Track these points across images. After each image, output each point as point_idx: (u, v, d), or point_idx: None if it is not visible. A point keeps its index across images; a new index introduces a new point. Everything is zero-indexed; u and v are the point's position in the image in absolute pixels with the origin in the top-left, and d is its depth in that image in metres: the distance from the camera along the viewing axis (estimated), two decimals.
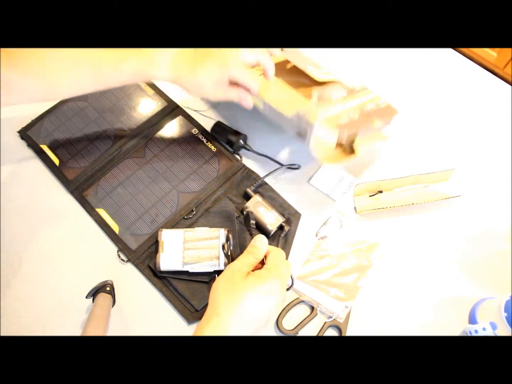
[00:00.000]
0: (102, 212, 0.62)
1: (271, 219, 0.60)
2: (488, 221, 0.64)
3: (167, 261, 0.56)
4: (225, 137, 0.67)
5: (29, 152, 0.67)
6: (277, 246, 0.60)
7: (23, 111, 0.67)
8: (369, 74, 0.77)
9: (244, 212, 0.60)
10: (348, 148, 0.61)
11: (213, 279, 0.57)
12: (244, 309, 0.45)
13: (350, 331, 0.56)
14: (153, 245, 0.60)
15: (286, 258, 0.59)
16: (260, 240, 0.50)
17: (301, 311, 0.58)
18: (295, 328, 0.56)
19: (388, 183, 0.65)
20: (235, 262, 0.49)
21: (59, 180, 0.64)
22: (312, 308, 0.57)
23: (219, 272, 0.57)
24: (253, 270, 0.49)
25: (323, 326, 0.56)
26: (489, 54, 1.59)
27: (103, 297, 0.54)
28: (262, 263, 0.50)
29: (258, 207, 0.61)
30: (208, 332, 0.44)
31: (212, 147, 0.67)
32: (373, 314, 0.58)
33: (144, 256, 0.59)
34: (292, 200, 0.64)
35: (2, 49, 0.49)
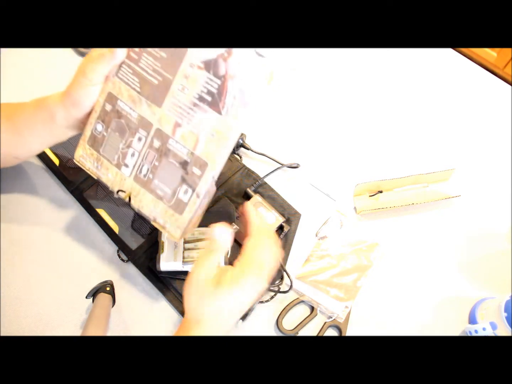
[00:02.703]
0: (102, 212, 0.62)
1: (271, 219, 0.60)
2: (488, 221, 0.64)
3: (167, 261, 0.56)
4: None
5: None
6: None
7: None
8: (368, 76, 0.77)
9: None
10: None
11: None
12: (226, 316, 0.44)
13: (350, 331, 0.56)
14: (153, 245, 0.60)
15: (286, 258, 0.59)
16: (221, 233, 0.47)
17: (301, 311, 0.58)
18: (295, 328, 0.56)
19: (388, 183, 0.65)
20: (197, 271, 0.44)
21: (59, 180, 0.64)
22: (312, 308, 0.57)
23: None
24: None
25: (323, 326, 0.56)
26: (489, 54, 1.59)
27: (103, 297, 0.54)
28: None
29: (258, 207, 0.61)
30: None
31: None
32: (373, 314, 0.58)
33: (144, 256, 0.59)
34: (292, 200, 0.64)
35: None
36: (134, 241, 0.60)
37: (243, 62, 0.44)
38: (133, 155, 0.49)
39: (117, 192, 0.51)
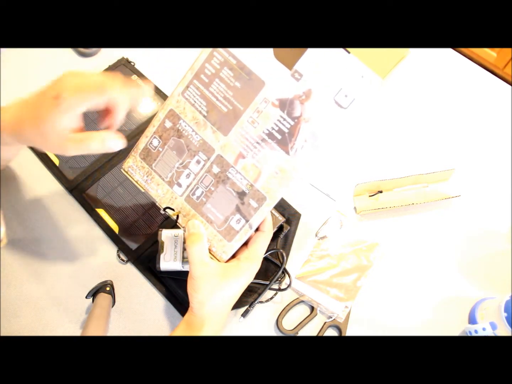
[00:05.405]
0: (102, 212, 0.62)
1: (271, 219, 0.60)
2: (488, 221, 0.64)
3: (167, 261, 0.56)
4: None
5: (29, 152, 0.66)
6: (277, 246, 0.60)
7: None
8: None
9: None
10: None
11: None
12: (232, 302, 0.49)
13: (350, 331, 0.56)
14: (153, 245, 0.60)
15: (286, 258, 0.59)
16: (193, 226, 0.48)
17: (301, 311, 0.58)
18: (295, 328, 0.56)
19: (388, 183, 0.65)
20: (193, 269, 0.46)
21: (59, 180, 0.64)
22: (312, 308, 0.57)
23: None
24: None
25: (323, 326, 0.56)
26: (489, 54, 1.59)
27: (103, 297, 0.54)
28: None
29: None
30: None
31: None
32: (373, 314, 0.58)
33: (144, 256, 0.59)
34: (292, 200, 0.64)
35: None
36: (134, 241, 0.60)
37: (320, 108, 0.44)
38: (188, 176, 0.49)
39: (164, 209, 0.50)
